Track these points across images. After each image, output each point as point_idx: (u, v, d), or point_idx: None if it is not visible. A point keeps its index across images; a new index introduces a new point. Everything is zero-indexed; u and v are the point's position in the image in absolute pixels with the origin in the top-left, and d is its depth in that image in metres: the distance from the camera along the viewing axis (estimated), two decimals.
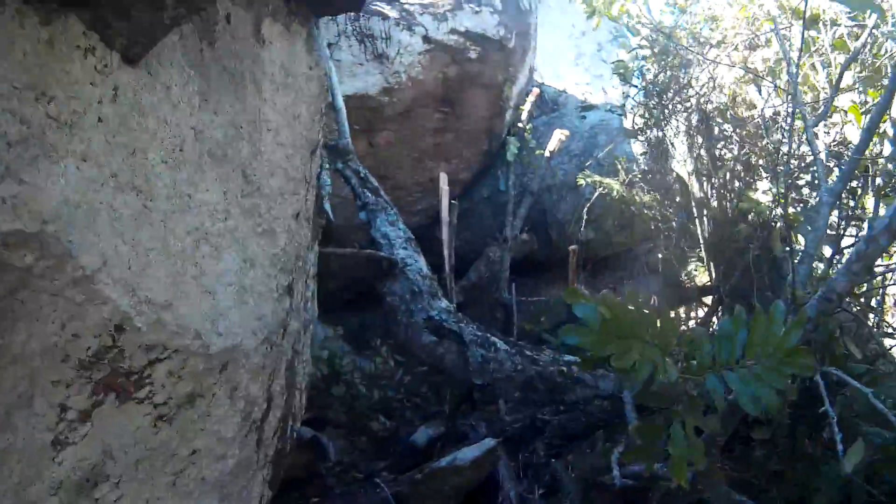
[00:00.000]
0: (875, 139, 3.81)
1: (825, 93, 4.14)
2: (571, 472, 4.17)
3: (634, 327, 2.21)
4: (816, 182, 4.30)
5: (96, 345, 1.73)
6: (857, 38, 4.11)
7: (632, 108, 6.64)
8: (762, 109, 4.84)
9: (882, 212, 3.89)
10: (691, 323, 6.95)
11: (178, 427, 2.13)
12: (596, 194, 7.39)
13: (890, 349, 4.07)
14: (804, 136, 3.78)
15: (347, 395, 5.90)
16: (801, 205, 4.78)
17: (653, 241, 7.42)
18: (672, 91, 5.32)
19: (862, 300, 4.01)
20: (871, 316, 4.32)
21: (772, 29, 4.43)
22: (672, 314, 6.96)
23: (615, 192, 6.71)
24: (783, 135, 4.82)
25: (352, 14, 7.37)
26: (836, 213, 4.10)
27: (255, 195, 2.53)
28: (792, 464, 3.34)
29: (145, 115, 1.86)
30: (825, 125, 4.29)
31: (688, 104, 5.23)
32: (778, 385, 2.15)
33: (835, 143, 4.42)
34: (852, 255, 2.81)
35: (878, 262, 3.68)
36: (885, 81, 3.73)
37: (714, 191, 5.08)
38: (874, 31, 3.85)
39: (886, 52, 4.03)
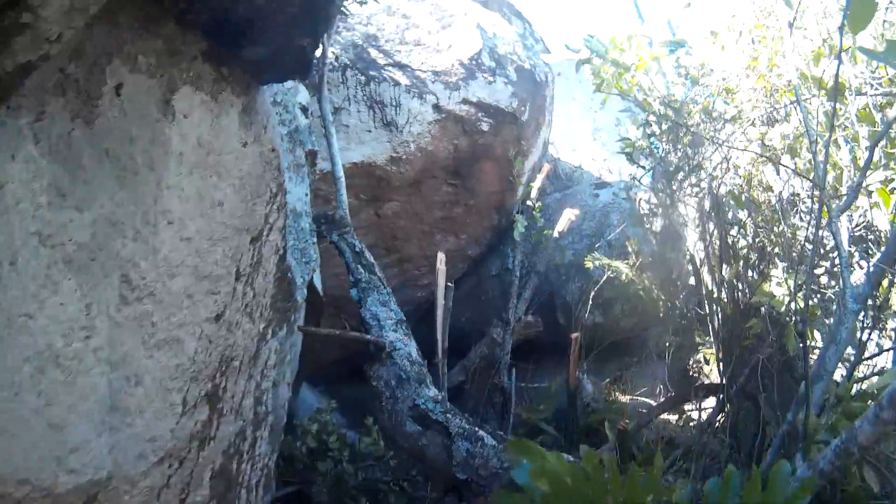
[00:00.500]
0: None
1: (848, 171, 3.82)
2: None
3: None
4: (836, 269, 3.94)
5: None
6: (882, 108, 3.81)
7: (643, 188, 6.43)
8: (780, 192, 4.57)
9: None
10: (696, 414, 6.58)
11: None
12: (604, 277, 7.12)
13: None
14: (824, 221, 3.40)
15: (332, 473, 5.73)
16: (819, 294, 4.46)
17: (662, 326, 7.11)
18: (682, 173, 5.07)
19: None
20: None
21: (792, 101, 4.13)
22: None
23: (624, 276, 6.44)
24: (801, 218, 4.54)
25: (361, 78, 7.29)
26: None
27: (143, 302, 2.20)
28: None
29: None
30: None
31: (699, 188, 4.97)
32: None
33: (858, 227, 4.09)
34: (884, 398, 2.28)
35: None
36: None
37: (726, 283, 4.79)
38: None
39: None
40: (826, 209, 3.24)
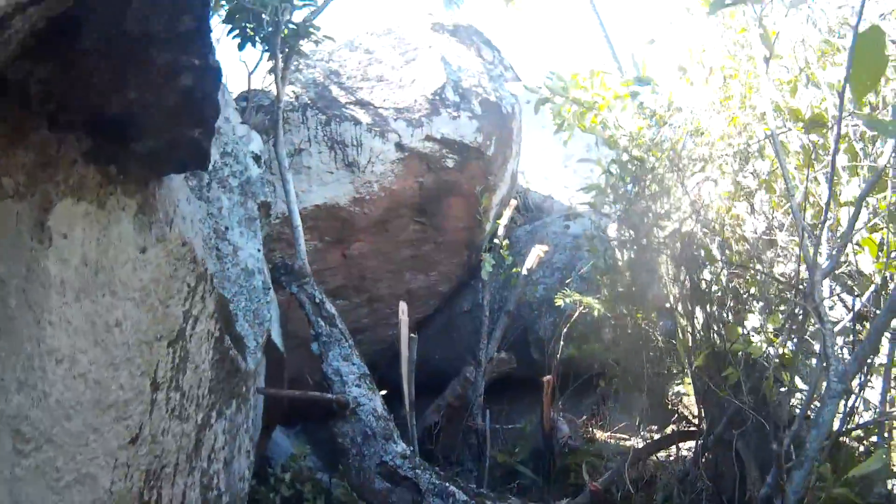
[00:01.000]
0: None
1: (829, 209, 3.60)
2: None
3: None
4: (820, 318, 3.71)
5: None
6: (863, 138, 3.62)
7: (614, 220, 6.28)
8: (755, 230, 4.41)
9: None
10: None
11: None
12: (577, 312, 6.95)
13: None
14: (801, 257, 3.19)
15: None
16: (798, 337, 4.27)
17: (638, 359, 6.95)
18: (649, 216, 4.90)
19: None
20: None
21: (767, 135, 3.94)
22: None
23: (596, 313, 6.26)
24: (777, 254, 4.38)
25: (322, 118, 7.12)
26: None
27: (43, 450, 1.97)
28: None
29: None
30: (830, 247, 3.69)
31: (668, 233, 4.80)
32: None
33: (844, 273, 3.89)
34: None
35: None
36: None
37: (700, 329, 4.62)
38: None
39: None
40: (806, 260, 3.06)
